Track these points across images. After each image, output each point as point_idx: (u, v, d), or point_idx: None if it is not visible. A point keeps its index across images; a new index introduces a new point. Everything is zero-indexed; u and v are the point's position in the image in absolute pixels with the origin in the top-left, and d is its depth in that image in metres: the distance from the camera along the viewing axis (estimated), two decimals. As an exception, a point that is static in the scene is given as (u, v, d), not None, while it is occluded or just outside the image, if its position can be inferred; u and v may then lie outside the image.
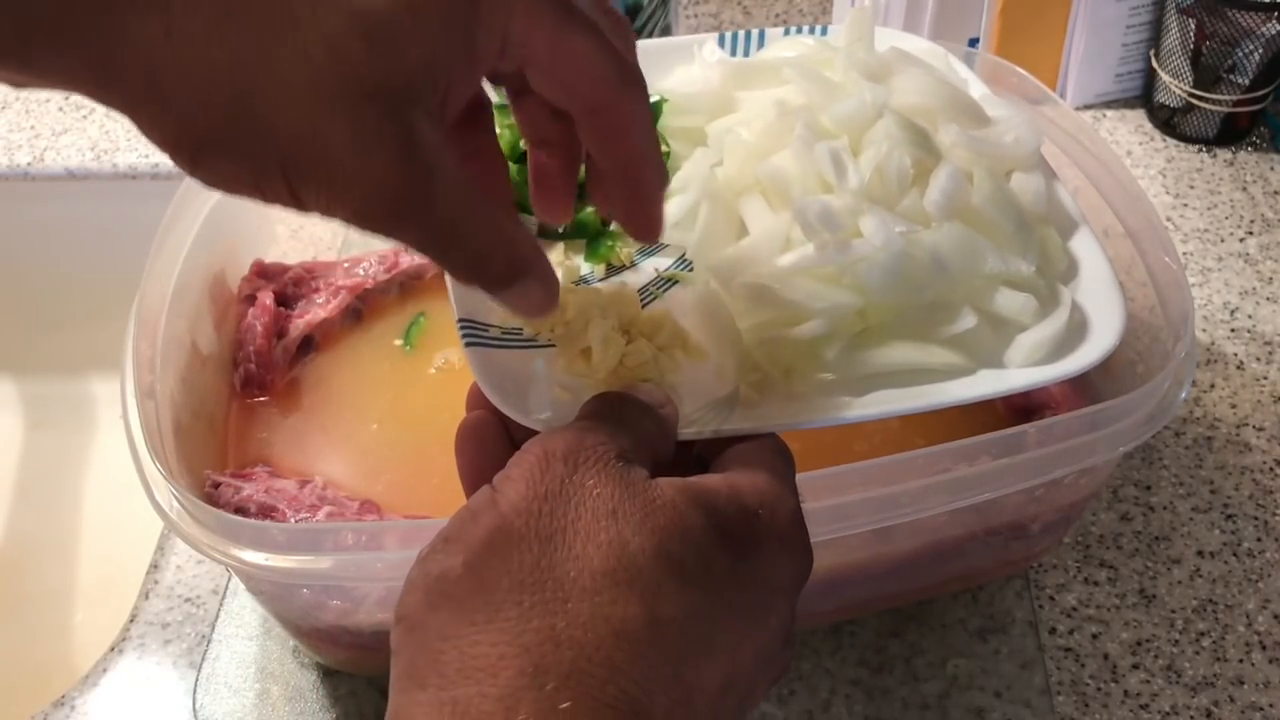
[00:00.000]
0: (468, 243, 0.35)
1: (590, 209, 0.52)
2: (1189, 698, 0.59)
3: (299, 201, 0.33)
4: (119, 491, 0.83)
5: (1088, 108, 0.94)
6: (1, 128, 0.93)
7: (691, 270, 0.50)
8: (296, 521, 0.55)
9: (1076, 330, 0.45)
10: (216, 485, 0.57)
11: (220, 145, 0.31)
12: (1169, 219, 0.85)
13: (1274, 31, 0.83)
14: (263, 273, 0.67)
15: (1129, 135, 0.92)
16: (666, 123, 0.55)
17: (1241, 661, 0.60)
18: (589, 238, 0.52)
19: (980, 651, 0.61)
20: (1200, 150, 0.90)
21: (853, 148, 0.46)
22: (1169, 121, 0.91)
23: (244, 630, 0.62)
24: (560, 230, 0.52)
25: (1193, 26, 0.85)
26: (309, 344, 0.66)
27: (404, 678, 0.33)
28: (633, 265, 0.51)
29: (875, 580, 0.59)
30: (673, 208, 0.51)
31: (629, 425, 0.38)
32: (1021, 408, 0.62)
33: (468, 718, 0.30)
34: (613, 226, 0.52)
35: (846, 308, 0.44)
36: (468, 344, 0.43)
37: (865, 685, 0.59)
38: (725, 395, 0.44)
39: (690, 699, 0.33)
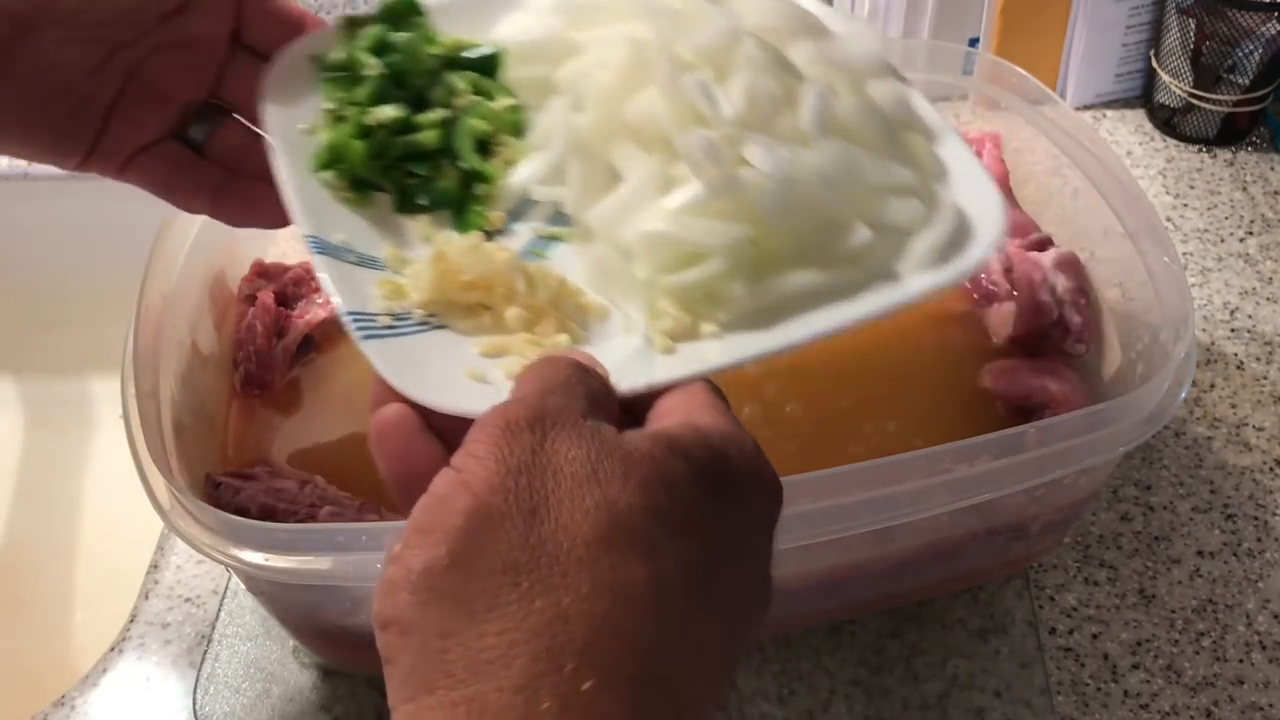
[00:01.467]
0: None
1: (447, 181, 0.49)
2: (1189, 698, 0.59)
3: None
4: (119, 491, 0.83)
5: (1088, 108, 0.94)
6: (1, 128, 0.93)
7: (571, 226, 0.47)
8: (296, 521, 0.55)
9: (964, 230, 0.45)
10: (216, 485, 0.57)
11: None
12: (1169, 219, 0.85)
13: (1274, 31, 0.83)
14: (263, 273, 0.67)
15: (1129, 135, 0.92)
16: (510, 75, 0.51)
17: (1241, 661, 0.60)
18: (454, 207, 0.49)
19: (980, 651, 0.61)
20: (1200, 150, 0.90)
21: (715, 77, 0.45)
22: (1169, 121, 0.91)
23: (244, 630, 0.62)
24: (426, 203, 0.49)
25: (1193, 26, 0.85)
26: (309, 344, 0.66)
27: (406, 685, 0.30)
28: (506, 230, 0.48)
29: (875, 580, 0.59)
30: (537, 164, 0.48)
31: (578, 386, 0.36)
32: (1022, 408, 0.62)
33: (485, 715, 0.28)
34: (476, 190, 0.49)
35: (743, 240, 0.43)
36: (364, 338, 0.41)
37: (865, 685, 0.59)
38: (638, 347, 0.43)
39: (700, 652, 0.32)
